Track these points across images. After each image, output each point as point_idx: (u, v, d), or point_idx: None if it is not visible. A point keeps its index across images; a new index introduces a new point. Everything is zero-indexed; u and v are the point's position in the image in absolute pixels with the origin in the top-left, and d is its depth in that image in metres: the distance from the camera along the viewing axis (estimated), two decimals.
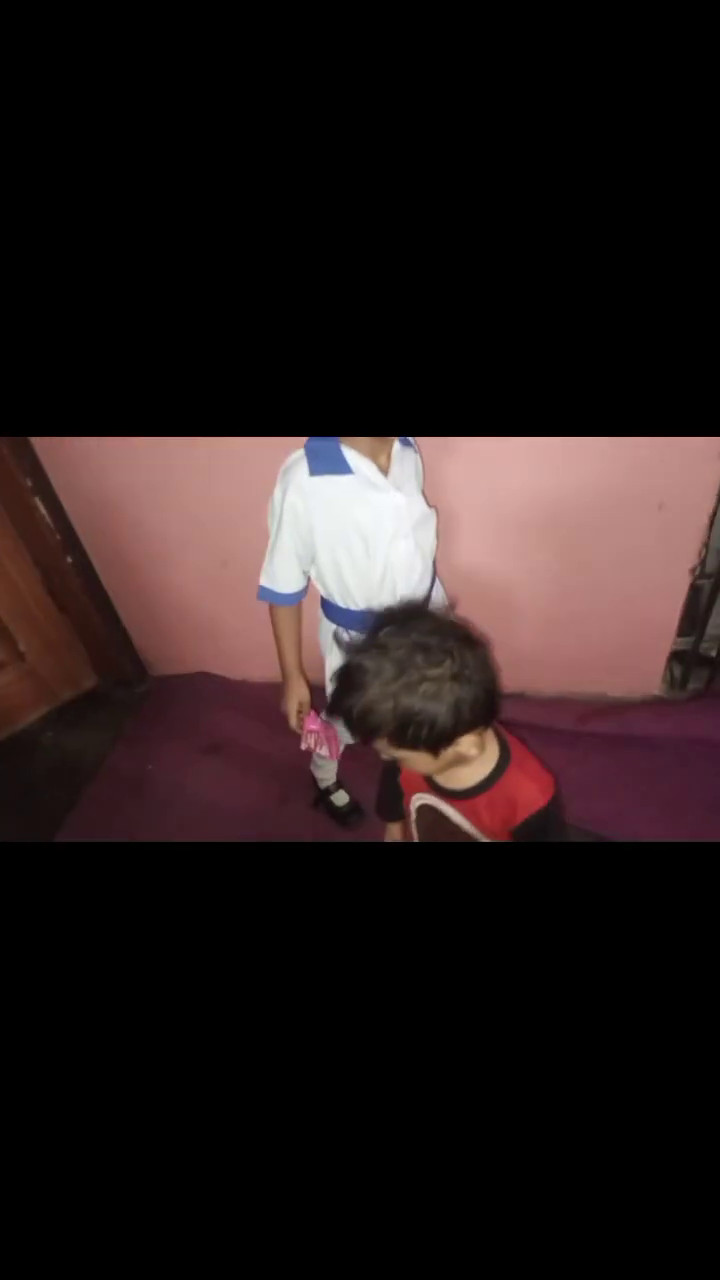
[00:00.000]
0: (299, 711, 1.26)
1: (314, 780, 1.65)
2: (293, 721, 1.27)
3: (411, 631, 0.73)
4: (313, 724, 1.26)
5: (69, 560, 1.82)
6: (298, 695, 1.25)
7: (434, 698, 0.71)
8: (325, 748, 1.28)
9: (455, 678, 0.71)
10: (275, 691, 1.35)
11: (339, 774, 1.63)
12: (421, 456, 1.20)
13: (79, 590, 1.88)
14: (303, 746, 1.29)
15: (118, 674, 2.10)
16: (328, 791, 1.65)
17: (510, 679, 1.84)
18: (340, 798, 1.65)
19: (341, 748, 1.34)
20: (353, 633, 1.19)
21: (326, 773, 1.61)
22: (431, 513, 1.16)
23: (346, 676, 0.74)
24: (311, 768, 1.60)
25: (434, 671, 0.71)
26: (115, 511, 1.75)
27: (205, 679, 2.09)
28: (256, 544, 1.17)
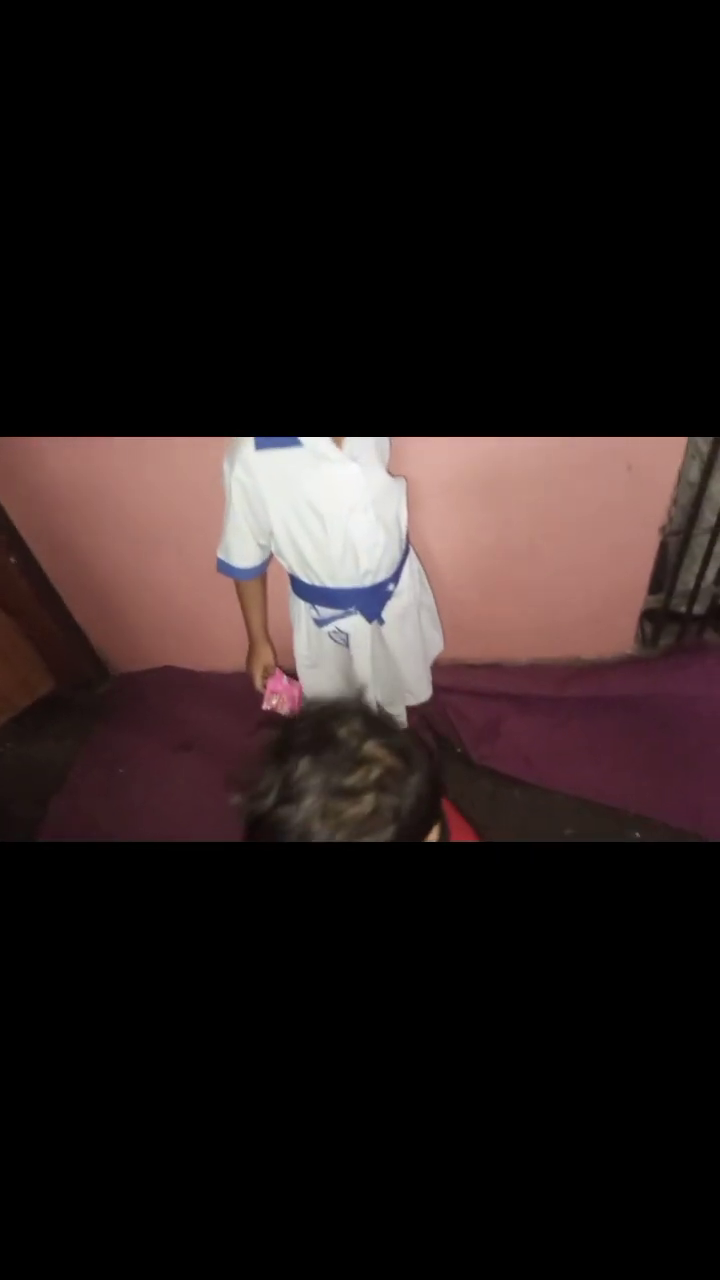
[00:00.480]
0: (264, 674, 1.27)
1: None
2: (258, 684, 1.28)
3: (330, 771, 0.60)
4: (276, 685, 1.28)
5: (12, 561, 1.71)
6: (263, 659, 1.26)
7: (376, 834, 0.60)
8: (286, 708, 1.30)
9: (395, 813, 0.60)
10: (245, 681, 1.34)
11: None
12: None
13: (26, 591, 1.77)
14: (265, 706, 1.30)
15: (76, 676, 1.99)
16: None
17: (486, 649, 1.83)
18: None
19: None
20: (321, 608, 1.15)
21: None
22: (396, 483, 1.10)
23: (267, 832, 0.62)
24: None
25: (368, 820, 0.59)
26: (58, 506, 1.64)
27: (170, 673, 2.01)
28: (213, 528, 1.13)
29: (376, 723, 0.64)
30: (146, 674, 2.02)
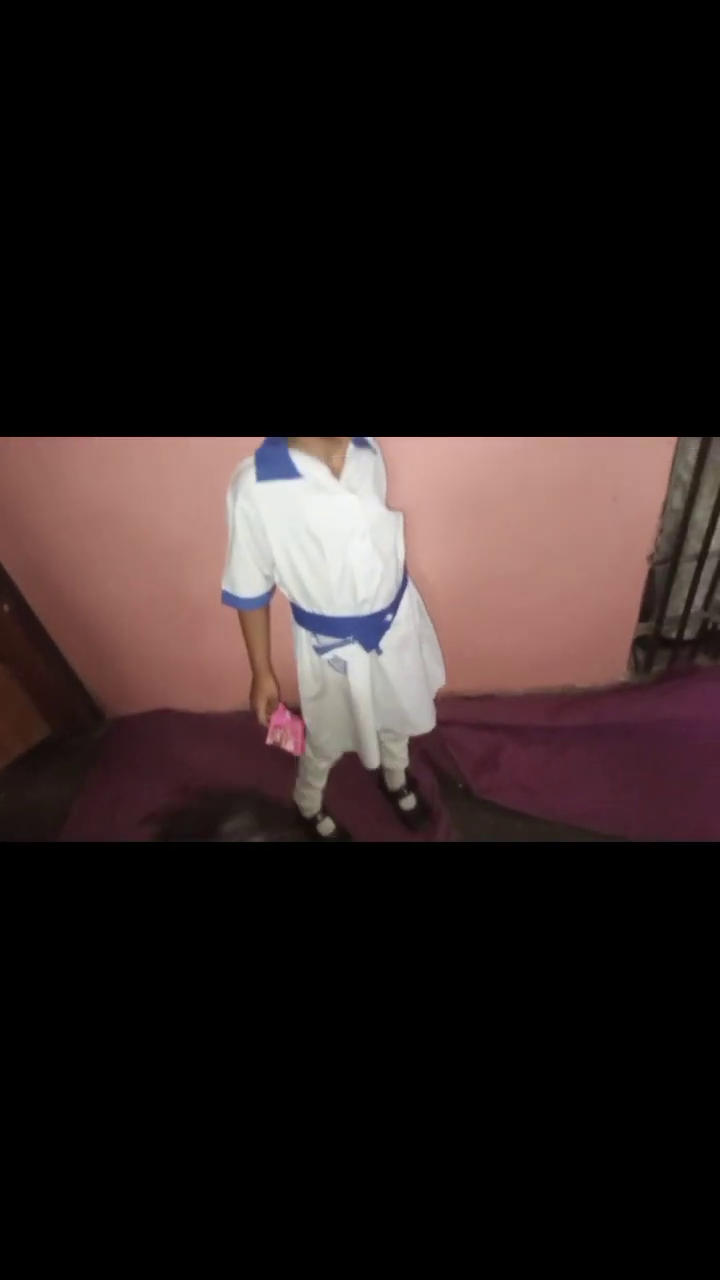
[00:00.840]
0: (267, 708, 1.27)
1: (297, 810, 1.59)
2: (261, 717, 1.28)
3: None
4: (280, 719, 1.28)
5: (6, 609, 1.70)
6: (266, 692, 1.26)
7: None
8: (291, 742, 1.29)
9: None
10: (244, 720, 1.33)
11: (324, 801, 1.58)
12: (384, 460, 1.16)
13: (21, 638, 1.76)
14: (268, 741, 1.30)
15: (71, 721, 1.98)
16: (313, 821, 1.59)
17: (481, 680, 1.84)
18: (326, 827, 1.60)
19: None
20: (320, 635, 1.17)
21: (310, 801, 1.55)
22: (393, 516, 1.13)
23: None
24: (295, 796, 1.55)
25: None
26: (51, 550, 1.65)
27: (167, 715, 1.99)
28: (207, 567, 1.15)
29: (269, 817, 0.64)
30: (142, 716, 2.01)
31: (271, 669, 1.26)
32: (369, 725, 1.26)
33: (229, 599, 1.16)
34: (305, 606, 1.15)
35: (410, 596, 1.24)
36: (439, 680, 1.39)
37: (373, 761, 1.34)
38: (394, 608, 1.18)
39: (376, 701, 1.25)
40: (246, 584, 1.13)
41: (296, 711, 1.30)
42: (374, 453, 1.11)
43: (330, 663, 1.20)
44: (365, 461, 1.07)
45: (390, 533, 1.13)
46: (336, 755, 1.40)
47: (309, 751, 1.38)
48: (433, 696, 1.37)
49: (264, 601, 1.17)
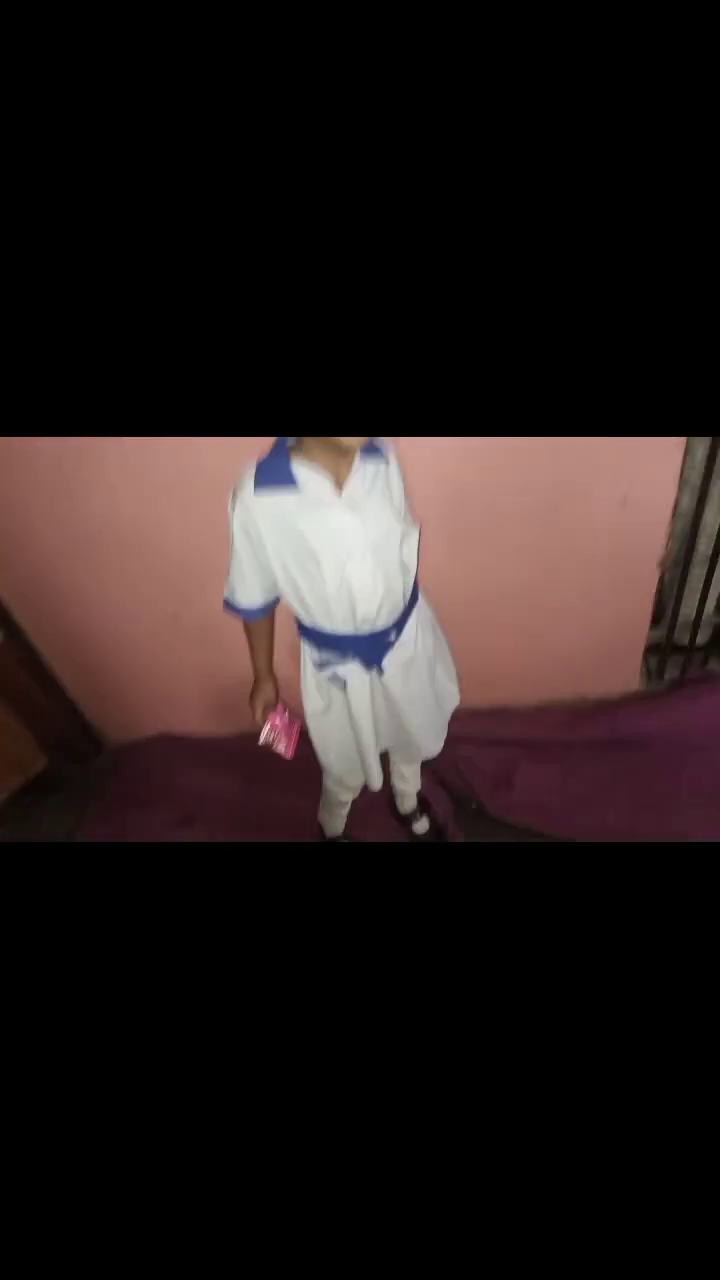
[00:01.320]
0: (265, 710, 1.26)
1: (320, 828, 1.55)
2: (257, 717, 1.26)
3: None
4: (276, 719, 1.27)
5: (1, 639, 1.65)
6: (264, 695, 1.24)
7: None
8: (283, 744, 1.27)
9: None
10: (246, 743, 1.30)
11: (347, 827, 1.54)
12: (400, 469, 1.08)
13: (16, 668, 1.71)
14: (260, 741, 1.28)
15: (70, 751, 1.92)
16: (334, 841, 1.54)
17: (491, 694, 1.79)
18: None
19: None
20: (321, 651, 1.12)
21: (334, 824, 1.51)
22: (403, 529, 1.06)
23: None
24: (319, 816, 1.51)
25: None
26: (46, 576, 1.60)
27: (167, 741, 1.94)
28: (210, 589, 1.12)
29: None
30: (142, 743, 1.96)
31: (273, 675, 1.23)
32: (370, 745, 1.22)
33: (230, 607, 1.13)
34: (304, 620, 1.10)
35: (420, 615, 1.18)
36: (453, 700, 1.33)
37: (375, 783, 1.29)
38: (399, 626, 1.12)
39: (379, 722, 1.20)
40: (246, 594, 1.09)
41: (296, 717, 1.25)
42: (385, 461, 1.03)
43: (330, 679, 1.15)
44: (373, 472, 1.00)
45: (396, 549, 1.06)
46: (355, 784, 1.35)
47: (329, 783, 1.33)
48: (446, 717, 1.32)
49: (265, 612, 1.13)
